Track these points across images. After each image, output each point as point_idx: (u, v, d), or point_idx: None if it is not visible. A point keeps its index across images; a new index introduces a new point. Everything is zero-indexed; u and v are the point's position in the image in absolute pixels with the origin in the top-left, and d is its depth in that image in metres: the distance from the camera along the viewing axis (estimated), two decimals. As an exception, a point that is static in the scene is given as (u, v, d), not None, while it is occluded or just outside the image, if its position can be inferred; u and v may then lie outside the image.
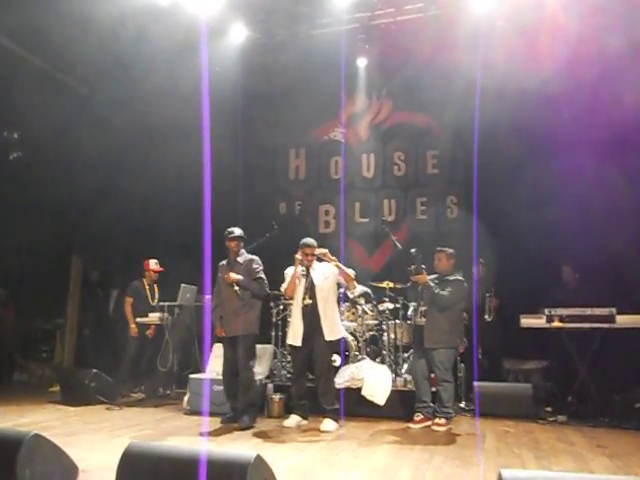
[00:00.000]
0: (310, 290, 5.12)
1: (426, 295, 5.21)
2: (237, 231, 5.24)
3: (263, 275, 5.20)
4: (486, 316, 6.39)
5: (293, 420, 5.04)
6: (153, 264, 6.87)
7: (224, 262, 5.32)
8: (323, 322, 5.02)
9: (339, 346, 5.82)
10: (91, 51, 6.81)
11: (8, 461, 2.48)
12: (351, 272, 5.19)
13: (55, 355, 8.52)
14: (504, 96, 6.51)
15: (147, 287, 6.87)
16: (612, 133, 6.03)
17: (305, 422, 5.09)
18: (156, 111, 7.35)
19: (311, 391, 5.20)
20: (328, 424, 4.86)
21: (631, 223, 6.00)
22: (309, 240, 5.19)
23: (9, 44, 6.90)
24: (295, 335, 5.09)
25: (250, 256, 5.28)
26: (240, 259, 5.21)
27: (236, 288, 5.07)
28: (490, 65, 6.60)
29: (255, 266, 5.20)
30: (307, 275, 5.16)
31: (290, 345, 5.21)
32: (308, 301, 5.09)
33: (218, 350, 6.07)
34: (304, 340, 5.04)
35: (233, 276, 5.06)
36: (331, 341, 5.08)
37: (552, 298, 5.93)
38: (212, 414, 5.28)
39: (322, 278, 5.15)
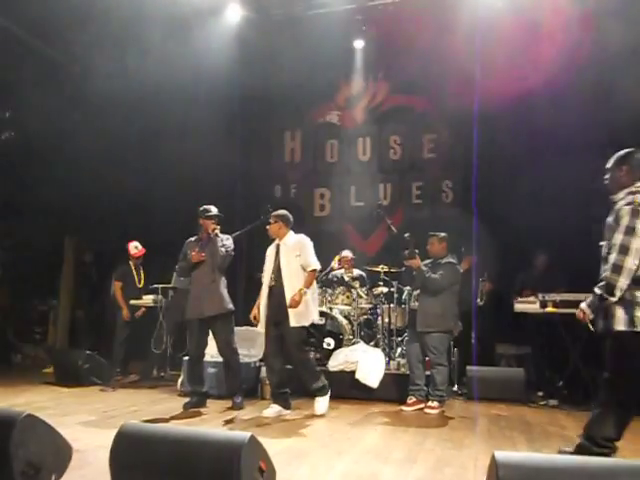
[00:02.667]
0: (277, 270, 4.79)
1: (418, 279, 5.22)
2: (214, 209, 5.14)
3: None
4: (478, 300, 6.41)
5: (272, 410, 4.68)
6: (133, 248, 6.80)
7: (192, 239, 5.21)
8: (287, 291, 4.66)
9: (318, 331, 5.80)
10: (84, 29, 6.71)
11: (1, 441, 2.47)
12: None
13: (49, 336, 8.52)
14: (503, 80, 6.46)
15: (134, 269, 6.84)
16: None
17: (287, 412, 4.73)
18: (151, 92, 7.25)
19: (294, 375, 4.93)
20: (319, 405, 4.71)
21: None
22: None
23: (1, 22, 6.78)
24: (260, 321, 4.79)
25: (226, 235, 5.15)
26: (217, 238, 5.05)
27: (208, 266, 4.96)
28: (489, 49, 6.55)
29: (229, 243, 5.10)
30: (277, 253, 4.85)
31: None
32: (272, 283, 4.78)
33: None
34: (274, 324, 4.74)
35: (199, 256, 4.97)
36: (299, 327, 4.69)
37: (520, 282, 6.31)
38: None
39: (292, 256, 4.75)
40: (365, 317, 6.33)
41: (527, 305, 5.59)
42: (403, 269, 5.62)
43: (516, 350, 6.57)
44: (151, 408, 4.95)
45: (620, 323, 3.10)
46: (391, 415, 4.87)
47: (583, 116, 6.08)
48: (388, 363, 5.71)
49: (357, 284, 6.44)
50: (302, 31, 7.30)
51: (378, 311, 6.25)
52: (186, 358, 5.84)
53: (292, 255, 4.74)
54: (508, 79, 6.46)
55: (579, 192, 5.95)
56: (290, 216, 4.95)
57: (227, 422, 4.42)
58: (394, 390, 5.46)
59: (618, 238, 3.06)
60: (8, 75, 6.95)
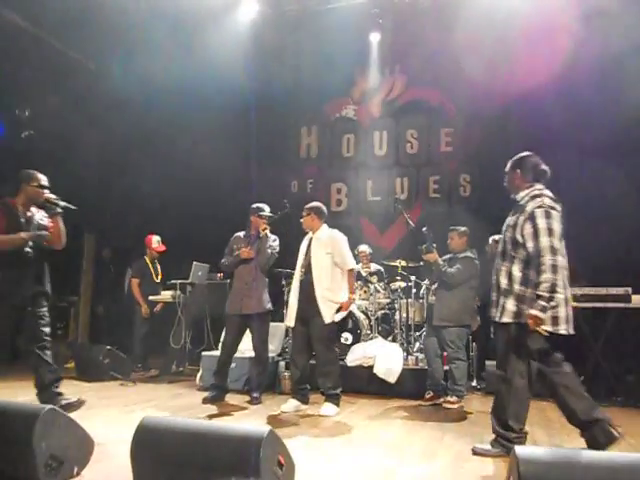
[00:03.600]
0: (307, 264, 4.74)
1: (434, 273, 5.20)
2: (267, 209, 5.23)
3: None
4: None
5: (291, 405, 4.66)
6: (155, 242, 6.83)
7: (241, 234, 5.25)
8: (320, 302, 4.58)
9: (343, 325, 5.74)
10: (99, 28, 6.76)
11: (25, 435, 2.51)
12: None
13: (69, 332, 8.63)
14: (518, 73, 6.39)
15: (150, 264, 6.88)
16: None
17: (305, 407, 4.70)
18: (166, 88, 7.30)
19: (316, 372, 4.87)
20: (327, 408, 4.54)
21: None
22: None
23: (19, 22, 6.86)
24: (289, 315, 4.77)
25: (274, 236, 5.21)
26: (266, 237, 5.11)
27: (253, 264, 5.03)
28: (505, 42, 6.47)
29: (275, 244, 5.17)
30: (309, 246, 4.81)
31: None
32: (302, 277, 4.74)
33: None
34: (301, 320, 4.69)
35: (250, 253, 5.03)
36: (329, 324, 4.61)
37: None
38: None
39: (323, 252, 4.69)
40: (383, 312, 6.31)
41: (547, 299, 5.51)
42: (421, 263, 5.59)
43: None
44: (171, 402, 5.00)
45: (508, 316, 3.32)
46: (409, 410, 4.86)
47: (590, 111, 6.00)
48: (406, 358, 5.69)
49: (375, 279, 6.42)
50: (317, 26, 7.28)
51: (396, 306, 6.23)
52: (205, 353, 5.89)
53: (323, 251, 4.70)
54: (524, 72, 6.38)
55: (597, 186, 5.88)
56: (323, 208, 4.91)
57: (246, 416, 4.45)
58: (412, 385, 5.43)
59: (544, 240, 3.22)
60: (26, 74, 7.03)
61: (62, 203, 4.20)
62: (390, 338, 6.15)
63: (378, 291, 6.26)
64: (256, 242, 5.12)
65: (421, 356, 5.68)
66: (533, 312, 3.16)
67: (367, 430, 4.02)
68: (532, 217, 3.28)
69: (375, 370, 5.45)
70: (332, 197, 8.32)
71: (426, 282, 5.84)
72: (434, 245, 5.13)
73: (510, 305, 3.32)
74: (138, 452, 2.45)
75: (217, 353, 5.71)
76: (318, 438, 3.75)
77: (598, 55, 6.06)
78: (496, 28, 6.45)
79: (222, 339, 5.28)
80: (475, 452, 3.42)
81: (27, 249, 4.00)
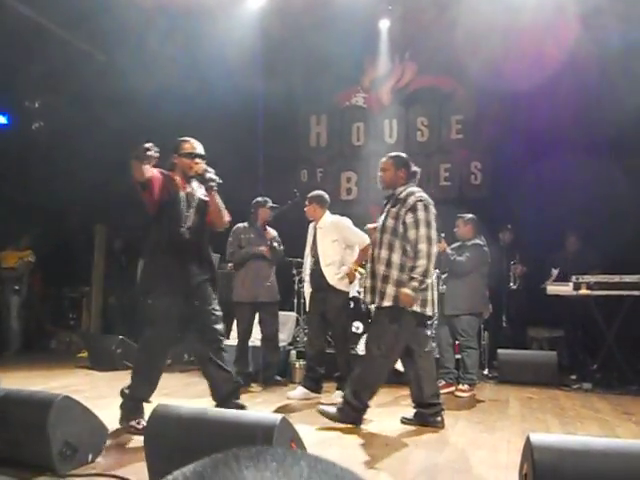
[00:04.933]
0: (315, 254, 4.75)
1: (444, 262, 5.18)
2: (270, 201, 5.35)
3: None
4: (511, 284, 6.32)
5: (298, 392, 4.67)
6: None
7: (246, 225, 5.29)
8: (328, 276, 4.61)
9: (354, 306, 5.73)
10: (109, 18, 6.74)
11: (39, 422, 2.53)
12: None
13: (82, 322, 8.71)
14: (530, 60, 6.30)
15: None
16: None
17: (315, 395, 4.66)
18: (176, 77, 7.28)
19: (332, 358, 4.92)
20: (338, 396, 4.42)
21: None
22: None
23: (29, 13, 6.86)
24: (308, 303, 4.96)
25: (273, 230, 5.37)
26: (270, 229, 5.28)
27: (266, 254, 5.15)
28: (515, 27, 6.37)
29: (279, 239, 5.33)
30: (315, 236, 4.81)
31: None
32: (313, 266, 4.76)
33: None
34: (316, 302, 4.75)
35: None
36: (342, 292, 4.62)
37: (551, 263, 6.14)
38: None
39: (329, 241, 4.67)
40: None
41: (560, 287, 5.48)
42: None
43: (549, 333, 6.47)
44: (183, 391, 5.03)
45: (389, 299, 3.54)
46: (421, 398, 4.84)
47: (606, 98, 5.92)
48: (417, 346, 5.67)
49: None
50: (326, 13, 7.20)
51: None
52: (228, 342, 5.92)
53: (329, 239, 4.69)
54: (535, 58, 6.30)
55: (611, 172, 5.81)
56: (324, 196, 4.90)
57: (257, 405, 4.46)
58: (424, 373, 5.42)
59: (422, 231, 3.52)
60: (37, 66, 7.05)
61: (215, 177, 3.45)
62: (401, 327, 6.12)
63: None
64: (263, 234, 5.22)
65: (433, 344, 5.66)
66: (406, 291, 3.43)
67: (379, 418, 4.02)
68: (414, 209, 3.57)
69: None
70: (342, 186, 8.29)
71: (437, 271, 5.80)
72: (442, 235, 5.10)
73: (390, 290, 3.54)
74: (151, 440, 2.46)
75: (229, 342, 5.76)
76: (329, 426, 3.75)
77: (610, 40, 5.95)
78: (508, 13, 6.35)
79: (237, 328, 5.33)
80: (320, 410, 3.72)
81: (184, 230, 3.41)
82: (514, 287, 6.30)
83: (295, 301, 6.36)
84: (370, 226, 4.07)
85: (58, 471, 2.54)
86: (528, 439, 2.11)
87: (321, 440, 3.32)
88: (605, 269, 5.46)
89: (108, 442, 2.90)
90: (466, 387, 4.97)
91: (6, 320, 7.63)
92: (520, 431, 3.55)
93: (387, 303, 3.54)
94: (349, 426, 3.74)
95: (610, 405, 4.62)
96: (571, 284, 5.36)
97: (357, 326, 5.88)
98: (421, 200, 3.60)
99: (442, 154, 7.80)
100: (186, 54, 7.05)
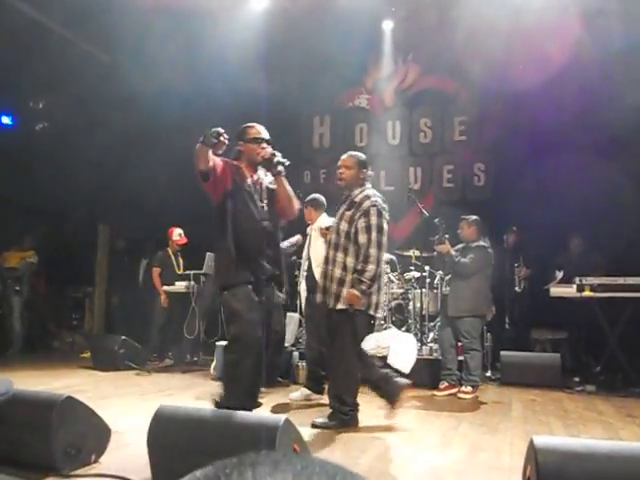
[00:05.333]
0: (307, 256, 4.82)
1: (448, 264, 5.18)
2: None
3: None
4: (516, 287, 6.31)
5: (300, 393, 4.65)
6: (177, 235, 6.89)
7: None
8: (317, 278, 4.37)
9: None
10: (112, 19, 6.75)
11: (43, 422, 2.54)
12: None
13: (85, 322, 8.73)
14: (533, 62, 6.30)
15: (172, 256, 6.92)
16: None
17: (317, 396, 4.60)
18: (178, 79, 7.29)
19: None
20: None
21: None
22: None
23: (32, 13, 6.87)
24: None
25: None
26: None
27: None
28: (518, 29, 6.37)
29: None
30: (310, 239, 4.89)
31: None
32: (308, 269, 4.81)
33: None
34: (311, 304, 4.61)
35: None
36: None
37: (556, 265, 6.08)
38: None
39: (320, 241, 4.60)
40: (396, 302, 6.29)
41: (563, 289, 5.47)
42: (435, 253, 5.56)
43: (552, 335, 6.45)
44: (186, 392, 5.03)
45: (345, 302, 3.60)
46: (424, 400, 4.85)
47: (611, 97, 5.90)
48: (420, 348, 5.67)
49: (388, 268, 6.39)
50: (330, 14, 7.20)
51: (409, 296, 6.20)
52: (219, 343, 5.91)
53: (320, 242, 4.69)
54: (539, 60, 6.30)
55: (614, 175, 5.80)
56: (319, 199, 4.98)
57: (260, 405, 4.46)
58: (426, 375, 5.41)
59: (374, 235, 3.59)
60: (40, 66, 7.06)
61: (284, 160, 3.25)
62: (404, 328, 6.12)
63: (392, 281, 6.23)
64: None
65: (435, 346, 5.66)
66: (355, 292, 3.52)
67: (381, 420, 4.01)
68: (367, 213, 3.62)
69: (389, 360, 5.42)
70: (345, 187, 8.28)
71: (440, 272, 5.80)
72: (446, 236, 5.10)
73: (346, 293, 3.61)
74: (154, 440, 2.46)
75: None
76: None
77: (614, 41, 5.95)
78: (511, 15, 6.34)
79: None
80: (315, 425, 3.65)
81: (259, 221, 3.17)
82: (518, 290, 6.28)
83: (298, 302, 6.36)
84: (323, 227, 4.23)
85: (61, 471, 2.55)
86: (532, 441, 2.11)
87: (324, 442, 3.32)
88: (609, 271, 5.43)
89: (111, 442, 2.90)
90: (469, 389, 4.96)
91: (8, 320, 7.65)
92: (523, 433, 3.55)
93: (342, 306, 3.62)
94: (351, 428, 3.74)
95: (613, 407, 4.61)
96: (575, 286, 5.35)
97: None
98: (375, 205, 3.65)
99: (445, 155, 7.80)
100: (189, 56, 7.05)
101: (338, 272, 3.67)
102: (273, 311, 3.51)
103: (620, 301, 5.24)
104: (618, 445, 2.25)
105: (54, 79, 7.10)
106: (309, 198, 5.03)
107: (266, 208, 3.26)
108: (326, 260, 3.80)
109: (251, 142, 3.36)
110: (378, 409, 4.35)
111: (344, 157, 3.91)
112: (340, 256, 3.69)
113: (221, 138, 2.98)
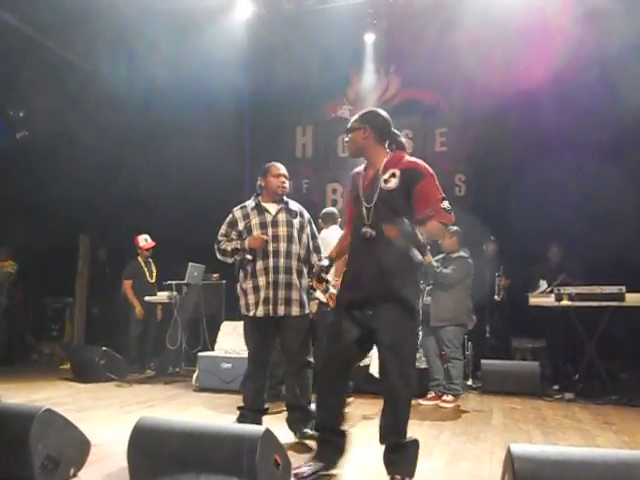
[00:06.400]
0: None
1: (430, 274, 5.22)
2: None
3: None
4: (495, 296, 6.39)
5: None
6: (143, 241, 6.84)
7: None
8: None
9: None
10: (94, 27, 6.74)
11: (21, 435, 2.51)
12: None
13: (65, 333, 8.61)
14: (514, 73, 6.42)
15: (144, 265, 6.88)
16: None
17: None
18: (160, 88, 7.29)
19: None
20: None
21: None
22: None
23: (14, 22, 6.83)
24: None
25: None
26: None
27: None
28: (498, 43, 6.49)
29: None
30: None
31: None
32: None
33: (226, 328, 6.12)
34: None
35: None
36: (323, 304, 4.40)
37: (536, 274, 6.19)
38: (221, 391, 5.36)
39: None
40: (378, 312, 6.31)
41: (542, 299, 5.56)
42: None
43: (531, 344, 6.53)
44: (167, 403, 5.00)
45: (307, 307, 3.76)
46: (406, 409, 4.86)
47: (587, 111, 6.04)
48: (402, 357, 5.69)
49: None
50: (312, 26, 7.28)
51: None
52: (201, 354, 5.88)
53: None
54: (520, 72, 6.42)
55: (592, 185, 5.92)
56: (326, 212, 5.28)
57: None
58: (408, 384, 5.43)
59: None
60: (20, 75, 7.01)
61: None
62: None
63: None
64: None
65: (418, 355, 5.69)
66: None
67: (364, 429, 4.03)
68: (309, 221, 3.94)
69: (371, 370, 5.45)
70: (328, 197, 8.32)
71: (421, 282, 5.84)
72: (428, 247, 5.15)
73: (305, 298, 3.76)
74: (134, 453, 2.45)
75: (213, 354, 5.76)
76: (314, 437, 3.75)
77: (595, 55, 6.07)
78: (492, 28, 6.46)
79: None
80: (306, 436, 3.62)
81: (367, 229, 2.75)
82: (498, 299, 6.36)
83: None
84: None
85: (39, 485, 2.51)
86: (509, 450, 2.14)
87: (305, 451, 3.32)
88: (588, 280, 5.52)
89: (90, 455, 2.87)
90: (450, 398, 4.99)
91: (-15, 331, 7.52)
92: (502, 442, 3.59)
93: (306, 311, 3.77)
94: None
95: (591, 415, 4.68)
96: (553, 295, 5.44)
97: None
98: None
99: (427, 166, 7.86)
100: (171, 67, 7.07)
101: (296, 279, 3.77)
102: None
103: (597, 310, 5.33)
104: (593, 452, 2.29)
105: (36, 88, 7.05)
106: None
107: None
108: (283, 269, 3.85)
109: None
110: (360, 419, 4.37)
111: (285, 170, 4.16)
112: (296, 263, 3.81)
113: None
